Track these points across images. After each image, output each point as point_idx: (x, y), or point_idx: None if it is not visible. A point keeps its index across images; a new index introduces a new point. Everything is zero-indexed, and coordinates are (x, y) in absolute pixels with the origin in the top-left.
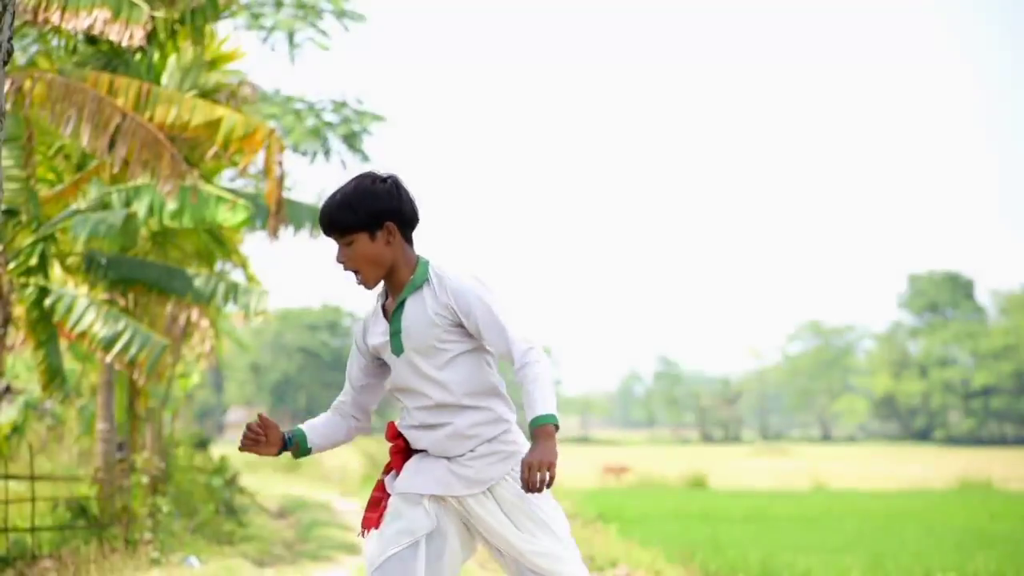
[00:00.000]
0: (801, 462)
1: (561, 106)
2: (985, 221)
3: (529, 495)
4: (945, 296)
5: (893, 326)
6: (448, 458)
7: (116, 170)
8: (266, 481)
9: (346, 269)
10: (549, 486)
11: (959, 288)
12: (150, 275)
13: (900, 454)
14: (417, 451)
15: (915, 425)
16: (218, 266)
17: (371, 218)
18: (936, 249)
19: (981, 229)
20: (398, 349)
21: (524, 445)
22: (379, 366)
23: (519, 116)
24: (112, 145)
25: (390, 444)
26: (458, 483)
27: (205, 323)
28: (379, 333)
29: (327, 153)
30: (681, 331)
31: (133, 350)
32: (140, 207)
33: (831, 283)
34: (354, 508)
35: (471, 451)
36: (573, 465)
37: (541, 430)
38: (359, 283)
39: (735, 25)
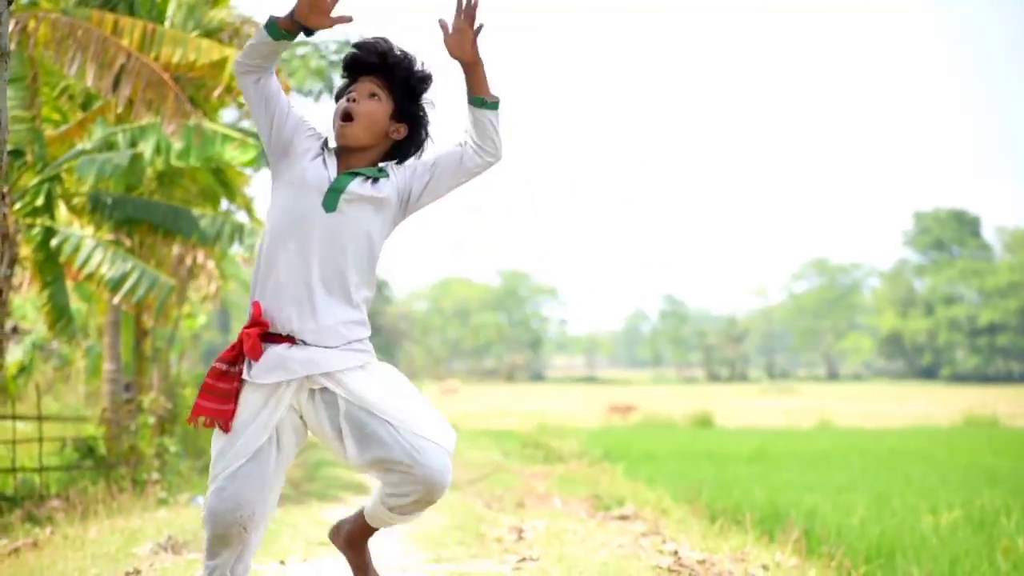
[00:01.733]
0: (807, 400)
1: (568, 53)
2: (991, 158)
3: (394, 374)
4: (951, 233)
5: (899, 264)
6: (318, 347)
7: (121, 110)
8: None
9: (346, 109)
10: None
11: (965, 225)
12: (156, 215)
13: (905, 392)
14: (274, 339)
15: (921, 363)
16: (223, 207)
17: (412, 106)
18: (942, 186)
19: (987, 166)
20: (331, 205)
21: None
22: (271, 116)
23: (530, 53)
24: (117, 85)
25: (248, 328)
26: (334, 359)
27: (211, 264)
28: (312, 158)
29: (330, 92)
30: (687, 270)
31: (140, 291)
32: (146, 147)
33: (837, 221)
34: None
35: (342, 345)
36: (579, 404)
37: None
38: (341, 131)
39: None
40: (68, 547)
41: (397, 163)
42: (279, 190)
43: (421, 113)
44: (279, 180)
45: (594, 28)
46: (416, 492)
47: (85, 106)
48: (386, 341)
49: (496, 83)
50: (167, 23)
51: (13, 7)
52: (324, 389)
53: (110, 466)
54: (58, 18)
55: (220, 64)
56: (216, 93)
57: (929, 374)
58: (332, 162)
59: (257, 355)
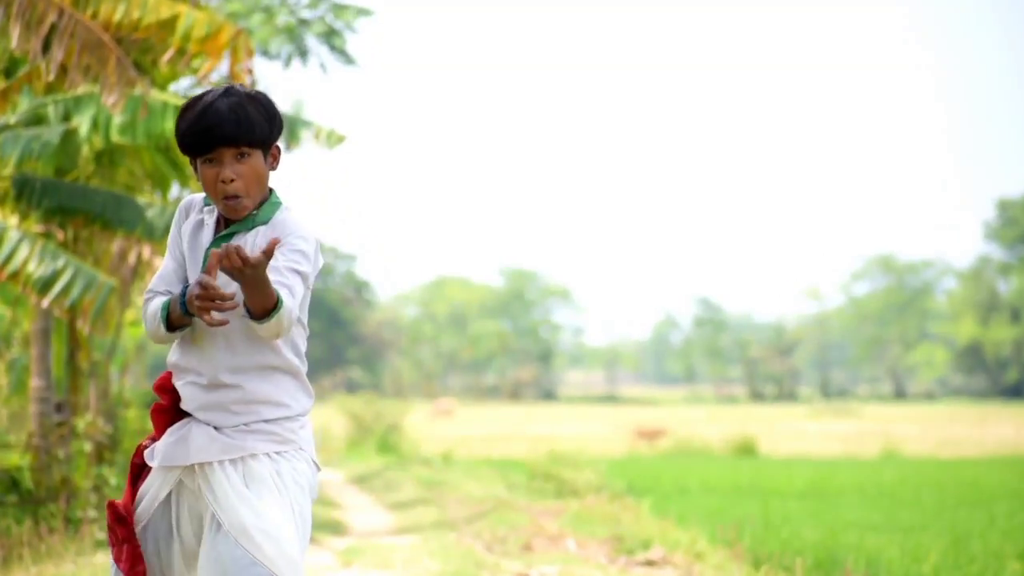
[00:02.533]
0: (869, 424)
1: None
2: None
3: (289, 482)
4: None
5: (979, 261)
6: (216, 427)
7: (52, 77)
8: None
9: (231, 189)
10: (237, 264)
11: None
12: (94, 203)
13: (987, 414)
14: (183, 414)
15: (1006, 379)
16: (174, 192)
17: (274, 134)
18: None
19: None
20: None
21: (307, 444)
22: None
23: (553, 40)
24: (47, 48)
25: (155, 401)
26: (215, 447)
27: (159, 261)
28: (196, 243)
29: (304, 55)
30: (725, 269)
31: (74, 293)
32: (81, 121)
33: (905, 211)
34: (338, 479)
35: (244, 424)
36: (597, 428)
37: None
38: (235, 209)
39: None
40: None
41: None
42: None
43: (279, 127)
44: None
45: (624, 20)
46: None
47: (8, 73)
48: (368, 353)
49: (516, 71)
50: None
51: None
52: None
53: (38, 502)
54: None
55: (170, 23)
56: (166, 57)
57: (1016, 392)
58: (211, 221)
59: (158, 434)
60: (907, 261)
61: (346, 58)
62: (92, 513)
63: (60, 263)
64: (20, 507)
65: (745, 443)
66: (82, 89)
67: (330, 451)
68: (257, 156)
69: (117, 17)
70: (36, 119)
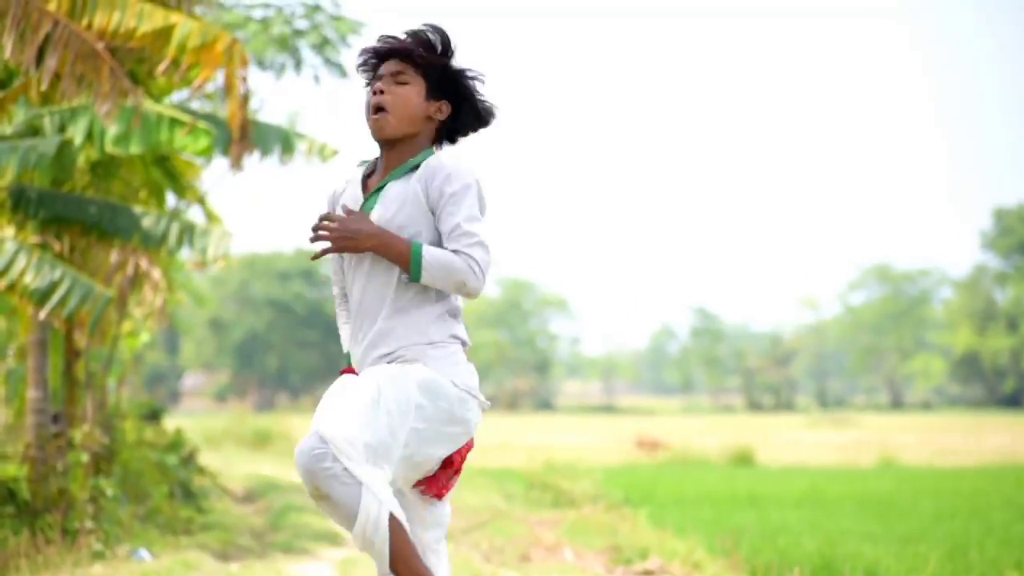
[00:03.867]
0: (866, 434)
1: (583, 47)
2: None
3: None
4: None
5: (976, 271)
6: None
7: (46, 88)
8: (230, 459)
9: (375, 102)
10: (323, 235)
11: None
12: (90, 214)
13: (985, 424)
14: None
15: (1003, 389)
16: (170, 203)
17: (447, 81)
18: None
19: None
20: None
21: (438, 363)
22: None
23: (549, 48)
24: (41, 58)
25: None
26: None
27: (156, 272)
28: (347, 198)
29: (298, 66)
30: (722, 278)
31: (71, 303)
32: (76, 132)
33: (901, 220)
34: None
35: (388, 353)
36: (595, 438)
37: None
38: (376, 124)
39: None
40: None
41: (452, 143)
42: None
43: (462, 83)
44: None
45: (616, 25)
46: None
47: (3, 84)
48: None
49: (514, 79)
50: None
51: None
52: None
53: (35, 513)
54: None
55: (166, 33)
56: (161, 68)
57: (1013, 402)
58: (356, 178)
59: None
60: (903, 270)
61: (340, 70)
62: (89, 524)
63: (57, 274)
64: (17, 518)
65: (742, 453)
66: (77, 100)
67: None
68: (416, 86)
69: (112, 27)
70: (32, 130)
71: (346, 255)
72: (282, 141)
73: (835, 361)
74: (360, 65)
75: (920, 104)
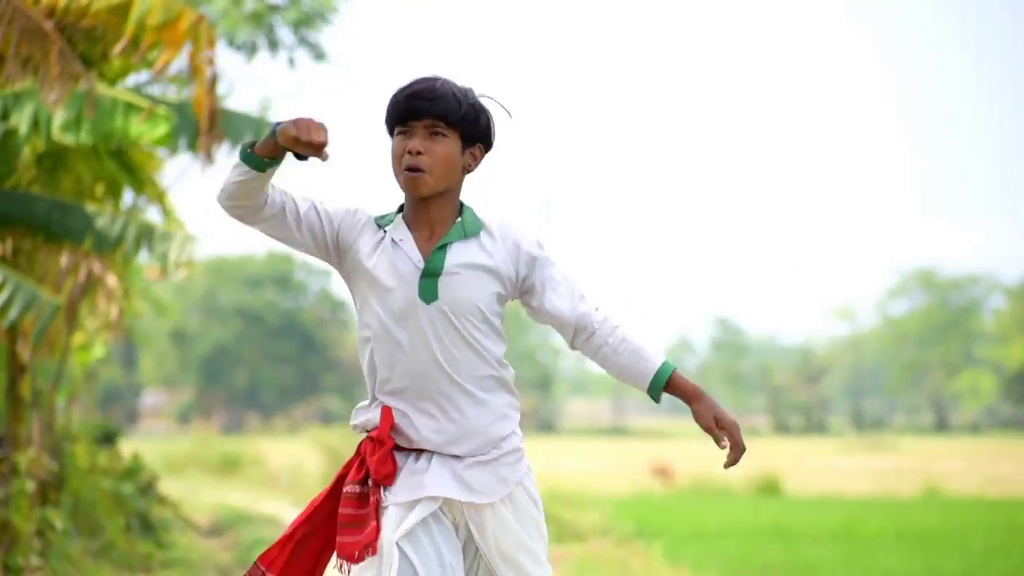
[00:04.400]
0: (908, 459)
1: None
2: None
3: (533, 507)
4: None
5: None
6: (454, 456)
7: None
8: (194, 487)
9: (414, 161)
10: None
11: None
12: (36, 213)
13: None
14: (406, 451)
15: None
16: (127, 201)
17: (480, 130)
18: None
19: None
20: (430, 295)
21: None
22: (316, 244)
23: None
24: None
25: (375, 438)
26: (478, 486)
27: (111, 278)
28: (387, 257)
29: (273, 47)
30: (746, 286)
31: (14, 312)
32: (21, 121)
33: (947, 221)
34: None
35: (487, 451)
36: (603, 463)
37: (695, 388)
38: (412, 180)
39: None
40: None
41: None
42: (360, 287)
43: (491, 132)
44: (353, 278)
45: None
46: None
47: None
48: (345, 381)
49: (519, 75)
50: None
51: None
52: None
53: None
54: None
55: (123, 9)
56: (117, 49)
57: None
58: (404, 236)
59: (389, 478)
60: (950, 277)
61: (317, 52)
62: (35, 560)
63: None
64: None
65: (768, 481)
66: (22, 84)
67: (302, 491)
68: (452, 141)
69: (62, 3)
70: None
71: (397, 310)
72: (254, 131)
73: (873, 378)
74: (395, 112)
75: (965, 90)
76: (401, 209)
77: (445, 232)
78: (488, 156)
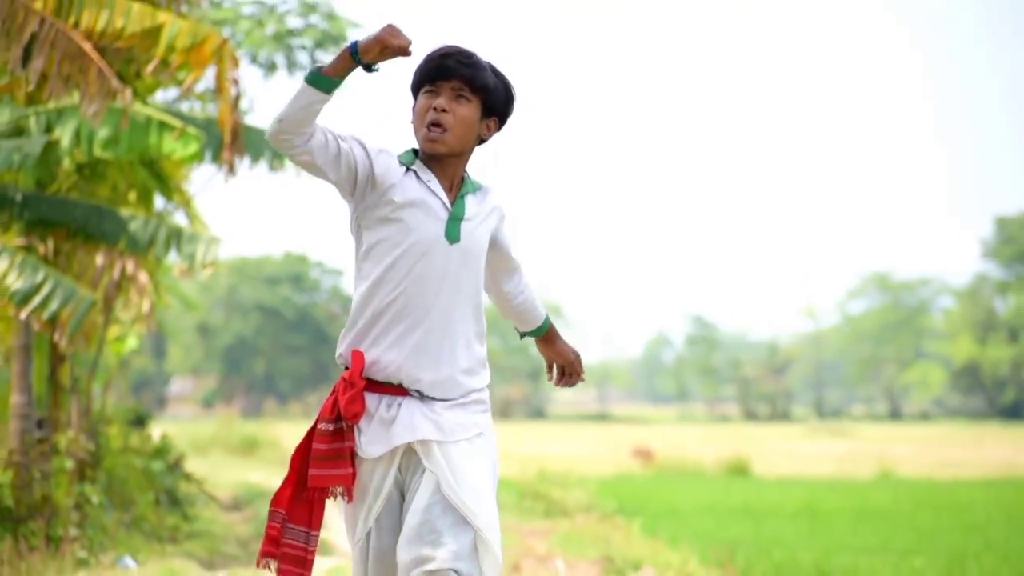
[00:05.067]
0: (864, 444)
1: (584, 52)
2: None
3: (490, 450)
4: None
5: (977, 280)
6: (429, 399)
7: (32, 88)
8: (217, 466)
9: (438, 118)
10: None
11: None
12: (75, 217)
13: (985, 435)
14: (378, 390)
15: (1003, 400)
16: (158, 206)
17: (500, 102)
18: None
19: None
20: (455, 235)
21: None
22: (348, 177)
23: (544, 46)
24: (27, 57)
25: (347, 379)
26: (449, 426)
27: (143, 276)
28: (417, 192)
29: (291, 66)
30: (719, 286)
31: (54, 306)
32: (63, 133)
33: (901, 228)
34: None
35: (460, 397)
36: (588, 447)
37: (553, 330)
38: (432, 140)
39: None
40: None
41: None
42: (377, 227)
43: (510, 108)
44: (373, 215)
45: (609, 29)
46: None
47: None
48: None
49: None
50: None
51: None
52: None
53: (18, 520)
54: None
55: (155, 32)
56: (150, 69)
57: (1014, 413)
58: (431, 179)
59: (357, 416)
60: (903, 279)
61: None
62: (74, 531)
63: (40, 276)
64: (1, 525)
65: (738, 463)
66: (64, 101)
67: None
68: (474, 106)
69: (100, 26)
70: (17, 131)
71: (422, 245)
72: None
73: (833, 371)
74: (425, 71)
75: (920, 109)
76: (417, 153)
77: (460, 186)
78: (499, 133)
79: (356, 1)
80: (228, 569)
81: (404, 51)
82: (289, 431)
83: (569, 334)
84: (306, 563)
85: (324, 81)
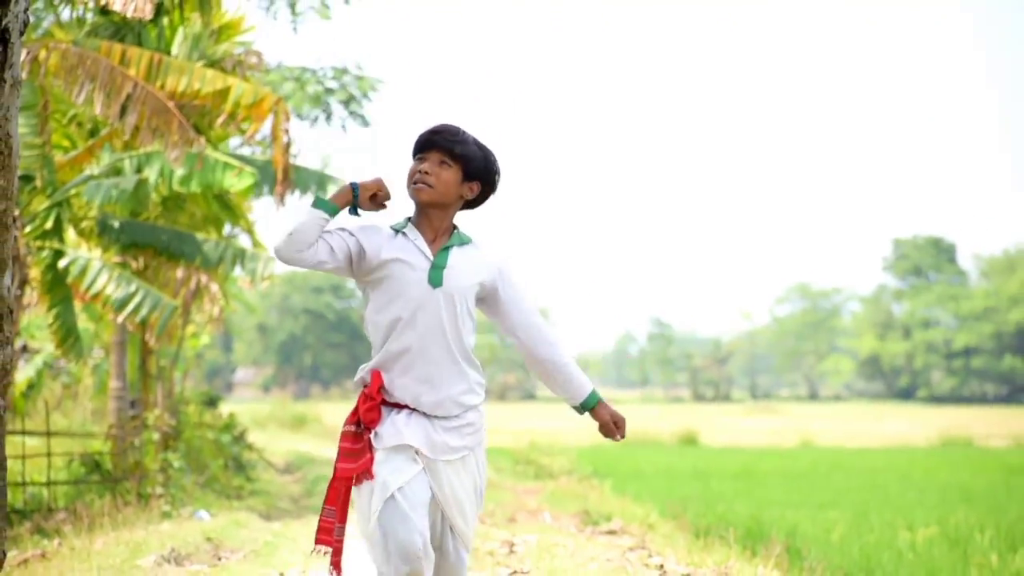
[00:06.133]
0: (789, 420)
1: (556, 73)
2: (967, 186)
3: (477, 477)
4: (928, 260)
5: (878, 289)
6: (433, 417)
7: (127, 137)
8: (273, 437)
9: (422, 178)
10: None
11: (942, 252)
12: (161, 239)
13: (884, 412)
14: (391, 406)
15: (899, 384)
16: (226, 231)
17: (477, 169)
18: (920, 214)
19: (964, 194)
20: (437, 280)
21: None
22: (337, 260)
23: (512, 81)
24: (124, 113)
25: (367, 394)
26: (441, 446)
27: (214, 287)
28: (402, 250)
29: (328, 117)
30: (674, 294)
31: (144, 311)
32: (151, 173)
33: (819, 247)
34: None
35: (457, 416)
36: (569, 423)
37: (602, 403)
38: (418, 189)
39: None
40: (75, 559)
41: (470, 208)
42: (375, 285)
43: (490, 174)
44: (369, 278)
45: (579, 45)
46: None
47: (93, 133)
48: None
49: (479, 95)
50: (173, 54)
51: (24, 37)
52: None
53: (116, 480)
54: (68, 48)
55: (223, 93)
56: (219, 121)
57: (906, 395)
58: (417, 237)
59: (373, 423)
60: (820, 288)
61: (363, 120)
62: (159, 490)
63: (133, 287)
64: (101, 484)
65: (689, 435)
66: (151, 147)
67: None
68: (455, 171)
69: (180, 88)
70: (115, 171)
71: (412, 294)
72: (317, 182)
73: (764, 361)
74: (418, 143)
75: (835, 150)
76: (410, 219)
77: (445, 240)
78: (493, 195)
79: (381, 60)
80: (282, 521)
81: (383, 206)
82: (330, 410)
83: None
84: (338, 550)
85: (328, 206)
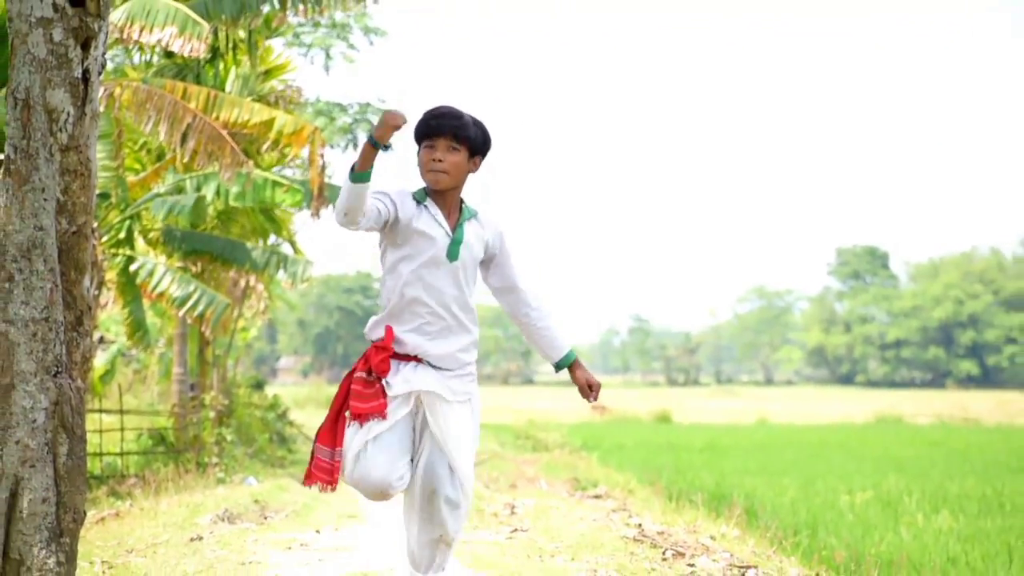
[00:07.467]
0: (748, 402)
1: (542, 80)
2: (900, 202)
3: (470, 417)
4: (866, 265)
5: (824, 290)
6: (440, 369)
7: (187, 160)
8: (312, 415)
9: (436, 165)
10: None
11: (877, 259)
12: (216, 247)
13: (828, 395)
14: (400, 358)
15: (840, 371)
16: (271, 240)
17: (479, 146)
18: (859, 226)
19: (896, 209)
20: (455, 255)
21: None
22: (380, 223)
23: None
24: (184, 140)
25: (379, 348)
26: (457, 391)
27: (261, 287)
28: (427, 224)
29: (355, 145)
30: (652, 293)
31: (201, 308)
32: (208, 191)
33: (774, 254)
34: None
35: (460, 368)
36: (562, 404)
37: (578, 362)
38: (436, 178)
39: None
40: (144, 517)
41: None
42: (399, 247)
43: (489, 148)
44: (396, 239)
45: (570, 47)
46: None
47: (159, 157)
48: None
49: (469, 96)
50: (227, 90)
51: (102, 77)
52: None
53: (178, 451)
54: (138, 85)
55: (269, 123)
56: (265, 147)
57: (847, 380)
58: (436, 211)
59: (385, 372)
60: (774, 289)
61: (384, 147)
62: (215, 460)
63: (192, 288)
64: (166, 455)
65: (663, 415)
66: (208, 169)
67: None
68: (463, 153)
69: (232, 119)
70: (177, 189)
71: (431, 261)
72: None
73: (728, 351)
74: (424, 128)
75: (790, 169)
76: (426, 192)
77: (458, 214)
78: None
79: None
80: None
81: (403, 124)
82: None
83: None
84: (332, 471)
85: (362, 175)
